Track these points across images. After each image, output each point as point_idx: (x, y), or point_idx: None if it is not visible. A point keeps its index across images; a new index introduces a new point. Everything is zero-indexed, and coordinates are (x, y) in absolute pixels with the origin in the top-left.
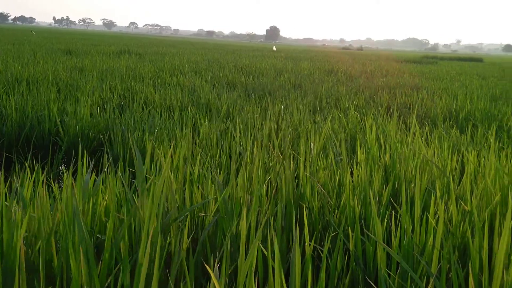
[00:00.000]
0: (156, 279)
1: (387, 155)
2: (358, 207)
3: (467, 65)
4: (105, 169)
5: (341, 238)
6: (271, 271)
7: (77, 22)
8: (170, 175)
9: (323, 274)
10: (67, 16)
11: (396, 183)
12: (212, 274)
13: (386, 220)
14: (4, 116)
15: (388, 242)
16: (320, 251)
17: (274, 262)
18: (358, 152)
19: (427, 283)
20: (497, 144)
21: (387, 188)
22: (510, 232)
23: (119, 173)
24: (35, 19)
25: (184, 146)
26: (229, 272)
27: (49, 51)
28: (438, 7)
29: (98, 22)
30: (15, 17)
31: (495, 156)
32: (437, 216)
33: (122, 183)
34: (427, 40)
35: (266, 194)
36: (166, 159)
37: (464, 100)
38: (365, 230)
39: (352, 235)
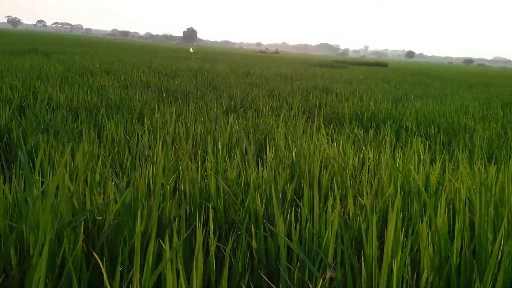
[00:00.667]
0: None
1: (293, 153)
2: (262, 205)
3: (374, 69)
4: None
5: (245, 236)
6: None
7: None
8: (66, 178)
9: (225, 272)
10: None
11: (302, 180)
12: (105, 275)
13: (288, 216)
14: None
15: (292, 238)
16: (224, 250)
17: (178, 263)
18: (268, 151)
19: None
20: (394, 142)
21: (291, 185)
22: (395, 223)
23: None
24: None
25: (86, 148)
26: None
27: None
28: (349, 14)
29: (2, 19)
30: None
31: (392, 153)
32: (335, 210)
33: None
34: (338, 46)
35: (174, 194)
36: (62, 161)
37: (369, 102)
38: (268, 226)
39: (256, 232)
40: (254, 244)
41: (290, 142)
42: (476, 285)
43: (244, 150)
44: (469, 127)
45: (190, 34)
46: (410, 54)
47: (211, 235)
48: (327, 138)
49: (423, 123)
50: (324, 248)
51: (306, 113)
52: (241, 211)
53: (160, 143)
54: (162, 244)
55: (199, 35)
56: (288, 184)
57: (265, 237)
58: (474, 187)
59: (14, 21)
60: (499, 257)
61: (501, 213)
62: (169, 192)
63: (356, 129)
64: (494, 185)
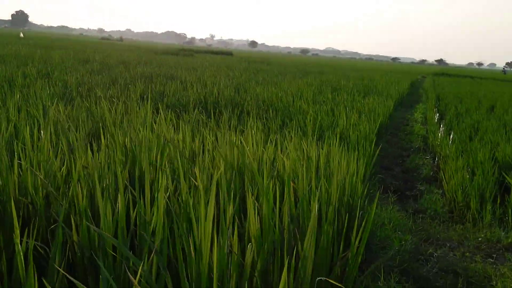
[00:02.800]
0: None
1: (128, 139)
2: (84, 195)
3: (219, 58)
4: None
5: (63, 230)
6: None
7: None
8: None
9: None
10: None
11: (136, 165)
12: None
13: (120, 203)
14: None
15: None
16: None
17: None
18: (102, 138)
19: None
20: (236, 125)
21: (124, 171)
22: (213, 200)
23: None
24: None
25: None
26: None
27: None
28: (195, 2)
29: None
30: None
31: (230, 135)
32: (167, 193)
33: None
34: (185, 34)
35: None
36: None
37: (213, 89)
38: (90, 220)
39: (76, 224)
40: (75, 237)
41: (127, 128)
42: (297, 247)
43: (72, 139)
44: (303, 110)
45: (20, 17)
46: (253, 44)
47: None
48: (169, 124)
49: (262, 107)
50: (154, 231)
51: (150, 100)
52: (64, 203)
53: None
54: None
55: (31, 19)
56: (121, 169)
57: (89, 228)
58: (301, 162)
59: None
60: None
61: (322, 181)
62: None
63: (199, 114)
64: (316, 157)
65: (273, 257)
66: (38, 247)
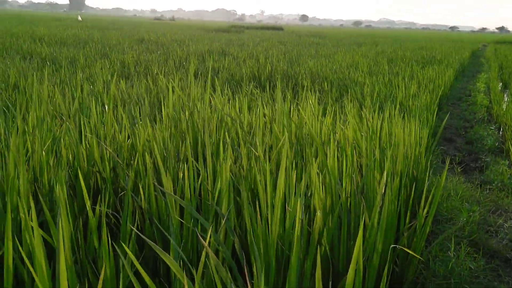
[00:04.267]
0: None
1: (187, 113)
2: (149, 164)
3: (270, 33)
4: None
5: (131, 197)
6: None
7: None
8: None
9: (103, 234)
10: None
11: (198, 137)
12: None
13: (181, 173)
14: None
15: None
16: (113, 216)
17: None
18: (163, 112)
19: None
20: (290, 99)
21: (185, 142)
22: (285, 165)
23: None
24: None
25: None
26: None
27: None
28: None
29: None
30: None
31: (288, 107)
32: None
33: None
34: (235, 11)
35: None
36: None
37: (265, 63)
38: (158, 186)
39: (144, 192)
40: (143, 204)
41: (185, 102)
42: (364, 220)
43: (135, 113)
44: (360, 81)
45: (78, 1)
46: (304, 17)
47: (87, 201)
48: (225, 98)
49: (317, 80)
50: (219, 201)
51: (203, 76)
52: (129, 173)
53: (42, 112)
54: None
55: (87, 2)
56: (181, 142)
57: (157, 198)
58: (362, 133)
59: None
60: (384, 193)
61: (386, 154)
62: (48, 156)
63: (253, 89)
64: (379, 130)
65: (339, 228)
66: (110, 214)
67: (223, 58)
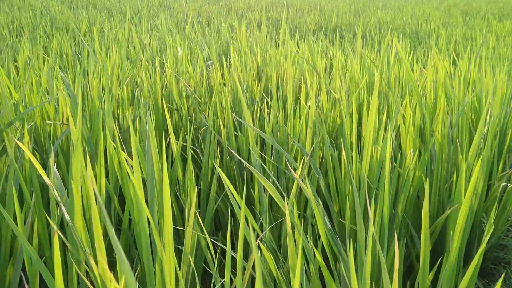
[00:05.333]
0: None
1: (259, 57)
2: (228, 102)
3: None
4: None
5: (212, 133)
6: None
7: None
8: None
9: (189, 166)
10: None
11: (269, 81)
12: (52, 175)
13: (257, 114)
14: None
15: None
16: (192, 149)
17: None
18: (232, 58)
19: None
20: (358, 47)
21: (260, 85)
22: (376, 108)
23: None
24: None
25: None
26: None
27: None
28: None
29: None
30: None
31: (361, 53)
32: (308, 104)
33: None
34: None
35: (132, 99)
36: None
37: (331, 14)
38: (237, 118)
39: (224, 129)
40: (223, 140)
41: (255, 49)
42: (458, 159)
43: (205, 56)
44: (434, 33)
45: None
46: None
47: (171, 134)
48: (294, 44)
49: (387, 32)
50: (299, 140)
51: (267, 27)
52: (207, 112)
53: (116, 52)
54: (123, 153)
55: None
56: (256, 84)
57: (236, 137)
58: (448, 75)
59: None
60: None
61: (477, 95)
62: (127, 95)
63: (321, 38)
64: (465, 73)
65: (431, 169)
66: (191, 151)
67: (286, 9)
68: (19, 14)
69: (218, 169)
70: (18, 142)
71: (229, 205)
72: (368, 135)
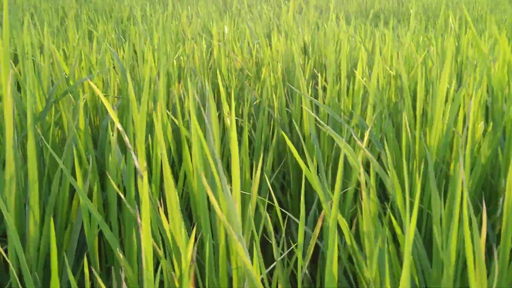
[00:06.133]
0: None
1: (306, 35)
2: (280, 71)
3: None
4: None
5: (264, 108)
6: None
7: None
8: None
9: (245, 136)
10: None
11: (318, 60)
12: (114, 146)
13: (310, 90)
14: None
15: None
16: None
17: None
18: (275, 38)
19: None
20: (402, 32)
21: (309, 61)
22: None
23: None
24: None
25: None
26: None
27: None
28: None
29: None
30: None
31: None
32: (364, 79)
33: None
34: None
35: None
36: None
37: (374, 0)
38: (290, 86)
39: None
40: (276, 113)
41: (300, 28)
42: None
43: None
44: (481, 19)
45: None
46: None
47: (224, 103)
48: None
49: (432, 17)
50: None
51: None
52: (256, 87)
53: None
54: (175, 120)
55: None
56: (305, 61)
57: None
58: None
59: None
60: None
61: None
62: (176, 67)
63: (365, 22)
64: None
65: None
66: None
67: None
68: (62, 2)
69: (285, 138)
70: (96, 89)
71: (282, 181)
72: (439, 100)
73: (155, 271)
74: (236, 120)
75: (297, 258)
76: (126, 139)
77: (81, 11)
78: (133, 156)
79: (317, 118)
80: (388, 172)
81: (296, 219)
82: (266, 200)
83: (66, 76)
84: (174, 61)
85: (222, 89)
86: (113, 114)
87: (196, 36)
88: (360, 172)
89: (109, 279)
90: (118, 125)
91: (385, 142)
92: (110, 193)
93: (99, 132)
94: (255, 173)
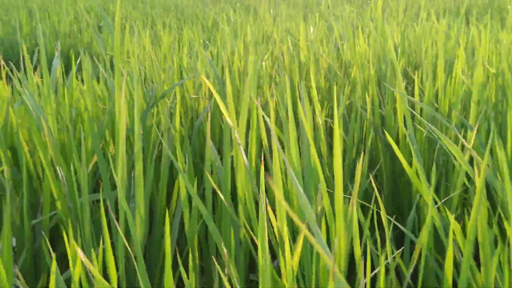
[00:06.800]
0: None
1: (397, 33)
2: (373, 70)
3: None
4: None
5: (356, 106)
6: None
7: None
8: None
9: (339, 132)
10: None
11: (409, 60)
12: (209, 144)
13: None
14: None
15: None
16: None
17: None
18: (360, 36)
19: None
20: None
21: (401, 61)
22: None
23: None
24: None
25: (169, 36)
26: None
27: None
28: None
29: None
30: None
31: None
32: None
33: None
34: None
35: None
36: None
37: None
38: (385, 85)
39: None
40: (369, 115)
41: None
42: None
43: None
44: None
45: None
46: None
47: (316, 102)
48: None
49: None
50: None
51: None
52: (346, 86)
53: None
54: (266, 118)
55: None
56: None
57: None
58: None
59: None
60: None
61: None
62: (266, 71)
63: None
64: None
65: None
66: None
67: None
68: (150, 10)
69: (389, 138)
70: (208, 81)
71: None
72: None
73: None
74: (325, 121)
75: (397, 264)
76: (236, 135)
77: (169, 18)
78: (241, 150)
79: (418, 116)
80: (498, 175)
81: (398, 224)
82: (361, 202)
83: (163, 80)
84: (263, 62)
85: (314, 90)
86: (227, 115)
87: (282, 37)
88: (469, 174)
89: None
90: (228, 119)
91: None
92: (207, 190)
93: (192, 132)
94: (357, 175)
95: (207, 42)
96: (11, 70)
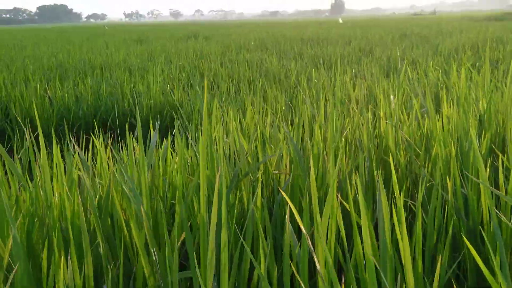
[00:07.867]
0: (226, 234)
1: (481, 103)
2: (453, 150)
3: None
4: (173, 133)
5: (437, 189)
6: (355, 227)
7: (145, 15)
8: (238, 132)
9: (418, 226)
10: (136, 10)
11: (497, 131)
12: (288, 228)
13: (488, 169)
14: (80, 99)
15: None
16: (412, 206)
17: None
18: (445, 104)
19: None
20: None
21: (486, 136)
22: None
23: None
24: (106, 15)
25: (250, 109)
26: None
27: (120, 41)
28: None
29: (166, 13)
30: (88, 15)
31: None
32: None
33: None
34: None
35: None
36: (230, 115)
37: None
38: (467, 174)
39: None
40: (450, 196)
41: (474, 93)
42: None
43: (420, 102)
44: None
45: (338, 5)
46: None
47: (395, 184)
48: None
49: None
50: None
51: (479, 67)
52: (426, 164)
53: (322, 104)
54: (341, 199)
55: (347, 6)
56: (481, 135)
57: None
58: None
59: (175, 13)
60: None
61: None
62: (343, 143)
63: None
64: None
65: None
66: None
67: (502, 46)
68: (237, 67)
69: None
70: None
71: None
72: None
73: None
74: (405, 201)
75: None
76: (302, 227)
77: (255, 77)
78: (309, 242)
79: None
80: None
81: None
82: None
83: (246, 155)
84: (343, 138)
85: (393, 169)
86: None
87: (361, 103)
88: None
89: None
90: (291, 205)
91: None
92: (285, 271)
93: (273, 206)
94: (438, 269)
95: (289, 103)
96: (113, 136)
